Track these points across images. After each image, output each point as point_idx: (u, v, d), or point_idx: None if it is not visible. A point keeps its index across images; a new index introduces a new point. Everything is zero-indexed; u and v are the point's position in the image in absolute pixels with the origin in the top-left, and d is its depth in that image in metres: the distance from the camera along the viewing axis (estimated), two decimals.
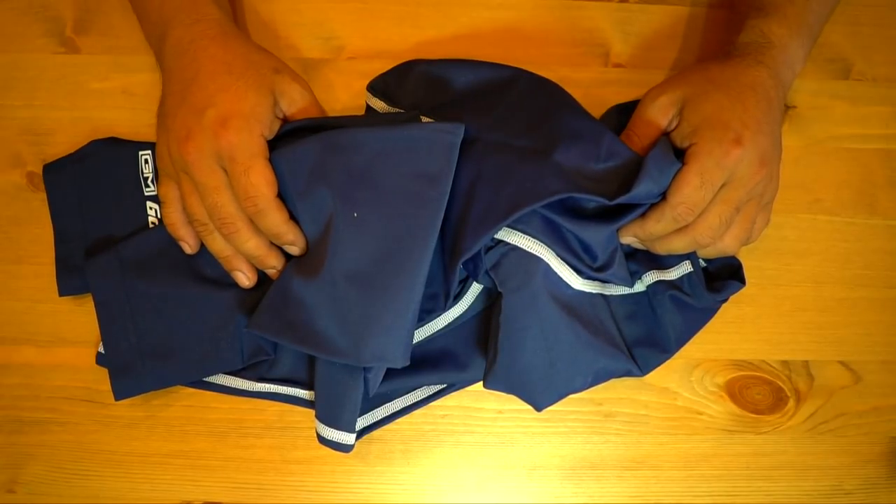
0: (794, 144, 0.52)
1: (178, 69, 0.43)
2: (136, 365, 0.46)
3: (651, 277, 0.48)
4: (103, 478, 0.48)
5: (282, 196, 0.44)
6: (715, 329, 0.50)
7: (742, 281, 0.47)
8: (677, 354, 0.49)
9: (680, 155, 0.44)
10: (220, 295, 0.46)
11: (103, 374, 0.47)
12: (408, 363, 0.42)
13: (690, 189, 0.42)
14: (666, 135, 0.46)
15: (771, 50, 0.46)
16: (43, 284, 0.48)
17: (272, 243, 0.45)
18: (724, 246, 0.45)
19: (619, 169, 0.44)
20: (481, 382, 0.46)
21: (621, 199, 0.42)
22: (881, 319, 0.52)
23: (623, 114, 0.49)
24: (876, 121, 0.54)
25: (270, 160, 0.43)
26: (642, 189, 0.42)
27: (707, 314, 0.49)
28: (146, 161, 0.48)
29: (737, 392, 0.50)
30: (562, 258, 0.45)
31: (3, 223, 0.49)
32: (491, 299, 0.48)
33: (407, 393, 0.48)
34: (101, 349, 0.47)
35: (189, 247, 0.46)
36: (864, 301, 0.52)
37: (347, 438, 0.44)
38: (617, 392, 0.50)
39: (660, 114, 0.45)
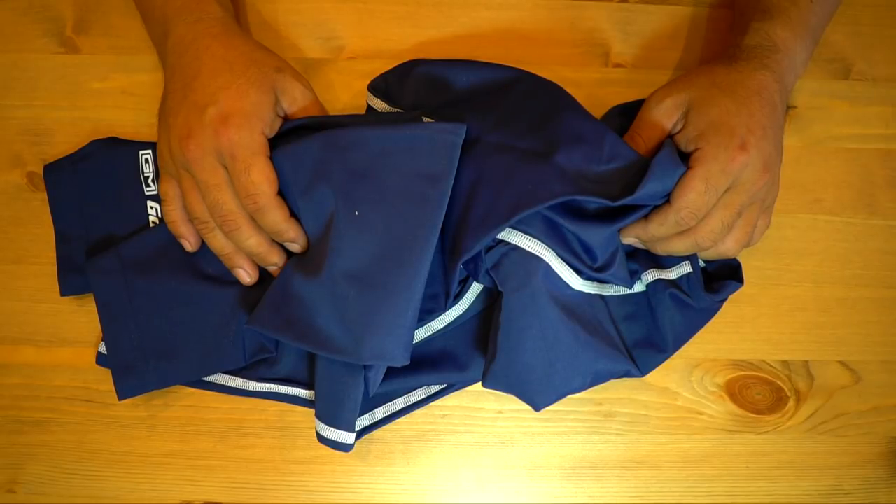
0: (794, 144, 0.53)
1: (180, 67, 0.44)
2: (138, 364, 0.46)
3: (650, 276, 0.48)
4: (103, 478, 0.48)
5: (283, 194, 0.44)
6: (715, 329, 0.50)
7: (740, 281, 0.47)
8: (677, 354, 0.49)
9: (684, 157, 0.44)
10: (222, 293, 0.46)
11: (103, 374, 0.47)
12: (408, 362, 0.42)
13: (695, 194, 0.42)
14: (670, 137, 0.46)
15: (776, 54, 0.46)
16: (43, 284, 0.48)
17: (273, 240, 0.45)
18: (726, 249, 0.45)
19: (621, 170, 0.44)
20: (481, 382, 0.46)
21: (625, 201, 0.42)
22: (881, 319, 0.52)
23: (624, 115, 0.49)
24: (876, 121, 0.54)
25: (272, 158, 0.43)
26: (647, 191, 0.42)
27: (707, 314, 0.49)
28: (147, 160, 0.48)
29: (737, 392, 0.50)
30: (562, 258, 0.45)
31: (3, 223, 0.49)
32: (491, 299, 0.48)
33: (407, 393, 0.48)
34: (102, 349, 0.47)
35: (190, 245, 0.46)
36: (864, 301, 0.52)
37: (347, 438, 0.44)
38: (617, 392, 0.50)
39: (665, 116, 0.45)
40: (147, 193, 0.48)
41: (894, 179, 0.53)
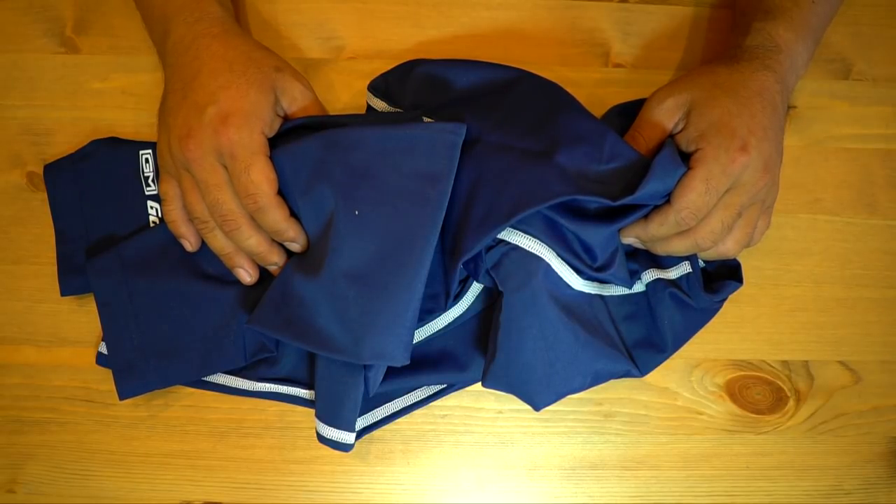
0: (794, 144, 0.53)
1: (180, 67, 0.44)
2: (139, 364, 0.46)
3: (650, 276, 0.48)
4: (103, 478, 0.48)
5: (283, 193, 0.44)
6: (715, 329, 0.50)
7: (740, 281, 0.47)
8: (677, 354, 0.49)
9: (685, 158, 0.44)
10: (223, 292, 0.46)
11: (103, 374, 0.47)
12: (408, 362, 0.42)
13: (695, 195, 0.42)
14: (671, 137, 0.46)
15: (778, 55, 0.46)
16: (43, 284, 0.48)
17: (273, 240, 0.45)
18: (726, 249, 0.45)
19: (622, 170, 0.44)
20: (481, 382, 0.46)
21: (626, 201, 0.42)
22: (880, 319, 0.52)
23: (624, 115, 0.49)
24: (876, 121, 0.54)
25: (272, 158, 0.43)
26: (648, 191, 0.42)
27: (707, 314, 0.49)
28: (147, 160, 0.48)
29: (737, 392, 0.50)
30: (562, 258, 0.45)
31: (3, 223, 0.49)
32: (491, 299, 0.48)
33: (407, 393, 0.48)
34: (102, 349, 0.47)
35: (190, 244, 0.46)
36: (864, 301, 0.52)
37: (347, 437, 0.44)
38: (617, 392, 0.50)
39: (666, 116, 0.45)
40: (147, 193, 0.48)
41: (894, 179, 0.53)
